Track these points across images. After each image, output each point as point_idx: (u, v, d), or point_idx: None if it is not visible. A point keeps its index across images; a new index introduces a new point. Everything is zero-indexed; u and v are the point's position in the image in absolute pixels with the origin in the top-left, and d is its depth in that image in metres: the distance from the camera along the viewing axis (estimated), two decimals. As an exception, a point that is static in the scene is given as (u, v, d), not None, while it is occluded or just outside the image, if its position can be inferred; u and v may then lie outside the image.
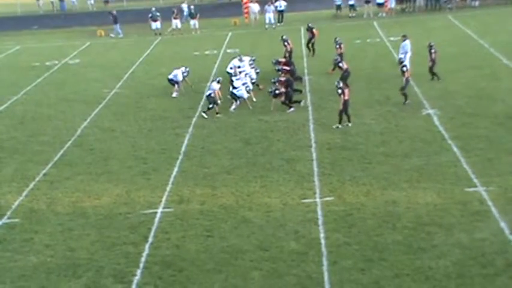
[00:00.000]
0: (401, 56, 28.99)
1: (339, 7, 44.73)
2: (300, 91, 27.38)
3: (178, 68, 29.58)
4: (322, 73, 29.89)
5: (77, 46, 42.04)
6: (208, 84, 28.25)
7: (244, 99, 26.56)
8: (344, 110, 23.43)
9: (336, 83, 23.94)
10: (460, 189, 18.04)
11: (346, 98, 23.30)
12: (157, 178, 20.42)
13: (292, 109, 25.58)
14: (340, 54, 29.63)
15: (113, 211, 18.43)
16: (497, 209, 16.77)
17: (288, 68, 28.83)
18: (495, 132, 21.89)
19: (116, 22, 44.53)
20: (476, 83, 27.15)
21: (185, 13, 47.04)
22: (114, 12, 45.57)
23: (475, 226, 16.11)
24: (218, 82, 26.93)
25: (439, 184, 18.41)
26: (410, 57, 28.86)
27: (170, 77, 29.28)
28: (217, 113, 25.81)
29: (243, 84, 26.88)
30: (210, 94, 26.28)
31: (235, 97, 26.59)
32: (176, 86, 29.12)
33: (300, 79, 29.03)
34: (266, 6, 43.62)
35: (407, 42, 29.21)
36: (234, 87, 26.82)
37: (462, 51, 32.48)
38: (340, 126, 23.46)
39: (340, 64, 27.90)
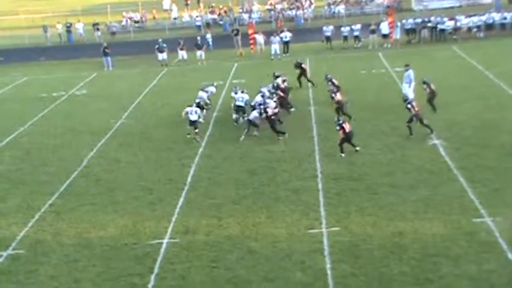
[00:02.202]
0: (405, 85, 29.01)
1: (345, 38, 44.96)
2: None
3: (203, 89, 30.58)
4: (327, 104, 29.91)
5: (83, 77, 42.31)
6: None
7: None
8: (347, 140, 23.56)
9: (335, 119, 24.16)
10: (467, 219, 17.95)
11: (347, 130, 23.48)
12: (163, 209, 20.40)
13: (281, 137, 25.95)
14: (337, 87, 29.65)
15: (119, 242, 18.38)
16: (505, 240, 16.66)
17: (282, 94, 29.05)
18: (502, 162, 21.84)
19: (105, 55, 44.75)
20: (482, 114, 27.15)
21: (209, 42, 47.46)
22: (105, 44, 45.92)
23: (483, 257, 15.99)
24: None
25: (445, 215, 18.33)
26: (414, 86, 28.90)
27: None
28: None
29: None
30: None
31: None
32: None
33: (288, 108, 29.41)
34: (272, 37, 43.87)
35: (411, 71, 29.29)
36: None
37: (467, 82, 32.54)
38: (343, 155, 23.52)
39: (333, 95, 28.12)
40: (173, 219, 19.57)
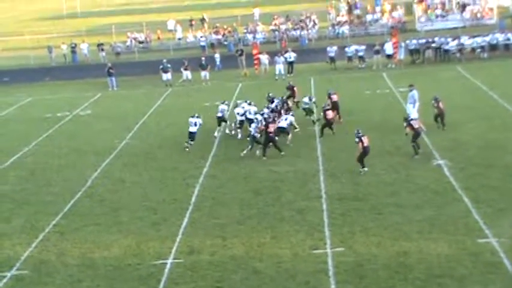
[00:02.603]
0: (409, 105, 29.05)
1: (350, 58, 45.09)
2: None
3: (223, 102, 30.91)
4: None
5: (88, 97, 42.47)
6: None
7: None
8: (365, 155, 23.73)
9: (355, 131, 24.14)
10: (472, 240, 17.89)
11: (366, 145, 23.59)
12: (167, 229, 20.38)
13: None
14: (333, 104, 29.91)
15: (123, 262, 18.35)
16: (510, 260, 16.59)
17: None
18: (506, 183, 21.80)
19: (110, 75, 44.96)
20: (486, 134, 27.16)
21: (217, 62, 47.70)
22: (109, 64, 46.16)
23: (488, 278, 15.92)
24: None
25: (450, 235, 18.27)
26: (418, 107, 28.93)
27: (218, 114, 30.22)
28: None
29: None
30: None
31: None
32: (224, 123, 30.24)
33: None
34: (276, 58, 44.03)
35: (415, 92, 29.34)
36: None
37: (472, 102, 32.58)
38: (366, 169, 23.67)
39: (326, 113, 28.62)
40: (177, 239, 19.54)
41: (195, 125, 28.41)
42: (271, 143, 26.60)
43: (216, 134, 30.28)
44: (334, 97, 30.63)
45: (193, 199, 22.79)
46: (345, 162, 25.15)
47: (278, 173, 24.67)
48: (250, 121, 28.25)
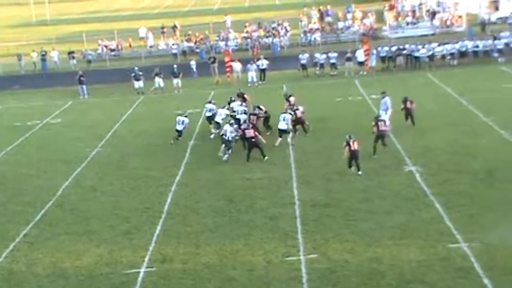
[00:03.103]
0: (382, 112, 29.26)
1: (322, 66, 45.25)
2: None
3: (223, 107, 31.38)
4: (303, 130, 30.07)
5: (59, 106, 42.08)
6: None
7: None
8: (354, 158, 24.20)
9: (347, 136, 24.47)
10: (443, 245, 18.04)
11: (353, 149, 24.06)
12: (139, 237, 20.25)
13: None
14: (291, 106, 30.38)
15: (95, 271, 18.19)
16: (480, 265, 16.75)
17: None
18: (476, 188, 22.04)
19: (80, 83, 44.70)
20: (456, 140, 27.44)
21: (194, 69, 47.61)
22: (80, 72, 45.89)
23: (458, 283, 16.06)
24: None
25: (422, 240, 18.40)
26: (391, 114, 29.13)
27: (208, 114, 31.73)
28: None
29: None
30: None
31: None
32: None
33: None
34: (248, 65, 44.09)
35: (387, 98, 29.56)
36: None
37: (442, 108, 32.89)
38: (360, 172, 24.11)
39: (295, 111, 29.23)
40: (150, 247, 19.43)
41: (182, 123, 29.63)
42: (255, 148, 26.72)
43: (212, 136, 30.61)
44: (292, 99, 31.34)
45: (166, 207, 22.68)
46: (318, 168, 25.26)
47: (251, 180, 24.66)
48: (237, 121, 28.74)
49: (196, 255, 18.68)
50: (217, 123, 30.49)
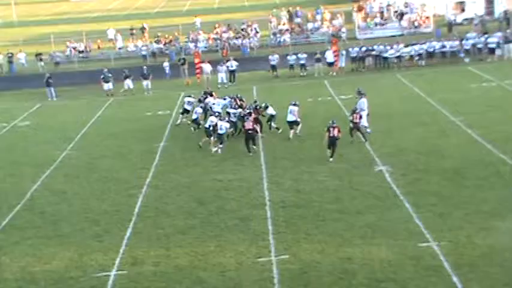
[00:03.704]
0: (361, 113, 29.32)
1: (291, 67, 45.35)
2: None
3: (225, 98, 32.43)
4: (274, 132, 30.12)
5: (26, 108, 41.57)
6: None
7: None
8: (330, 144, 25.57)
9: (330, 121, 25.93)
10: (413, 244, 18.20)
11: (331, 135, 25.49)
12: (110, 240, 20.11)
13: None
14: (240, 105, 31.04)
15: (64, 275, 18.04)
16: (450, 263, 16.94)
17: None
18: (445, 187, 22.28)
19: (48, 85, 44.30)
20: (425, 140, 27.70)
21: (167, 71, 47.43)
22: (48, 74, 45.46)
23: (429, 281, 16.23)
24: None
25: (392, 240, 18.55)
26: (367, 115, 29.26)
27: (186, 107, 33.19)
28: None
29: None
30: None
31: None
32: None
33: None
34: (218, 66, 44.02)
35: (364, 99, 29.63)
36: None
37: (411, 108, 33.17)
38: (331, 159, 25.60)
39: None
40: (121, 250, 19.31)
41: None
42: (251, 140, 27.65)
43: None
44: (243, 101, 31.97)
45: (136, 209, 22.56)
46: (288, 169, 25.32)
47: (222, 182, 24.64)
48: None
49: (168, 258, 18.61)
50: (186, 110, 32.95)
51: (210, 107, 31.73)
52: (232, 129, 29.54)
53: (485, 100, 33.49)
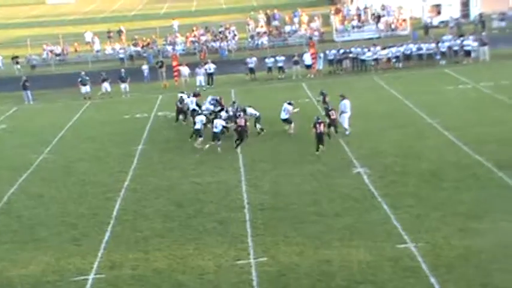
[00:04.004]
0: (344, 114, 29.32)
1: (269, 69, 45.41)
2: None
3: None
4: (252, 135, 30.15)
5: (3, 111, 41.21)
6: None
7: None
8: (318, 138, 26.70)
9: (315, 117, 27.04)
10: (391, 246, 18.31)
11: (318, 131, 26.59)
12: (88, 244, 20.00)
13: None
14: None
15: (41, 280, 17.91)
16: (427, 264, 17.07)
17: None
18: (422, 189, 22.44)
19: (25, 88, 43.98)
20: (403, 142, 27.87)
21: (145, 74, 47.22)
22: (25, 77, 45.15)
23: (407, 282, 16.33)
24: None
25: (370, 241, 18.64)
26: (349, 117, 29.35)
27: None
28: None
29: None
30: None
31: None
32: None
33: None
34: (197, 69, 43.99)
35: (346, 101, 29.66)
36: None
37: (388, 111, 33.36)
38: (317, 152, 26.69)
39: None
40: (99, 254, 19.22)
41: (201, 122, 29.72)
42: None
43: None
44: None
45: (114, 213, 22.46)
46: (267, 172, 25.36)
47: (200, 185, 24.61)
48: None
49: (146, 261, 18.55)
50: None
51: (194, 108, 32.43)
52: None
53: (461, 102, 33.80)
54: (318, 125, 26.58)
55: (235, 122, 29.14)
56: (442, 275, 16.53)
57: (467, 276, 16.39)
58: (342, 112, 29.33)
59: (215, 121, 28.96)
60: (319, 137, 26.69)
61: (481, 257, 17.29)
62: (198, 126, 29.26)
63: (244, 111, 30.41)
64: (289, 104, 30.34)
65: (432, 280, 16.32)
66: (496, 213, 19.96)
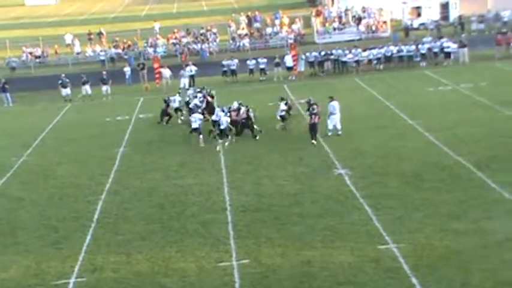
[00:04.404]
0: (333, 116, 29.33)
1: (251, 71, 45.44)
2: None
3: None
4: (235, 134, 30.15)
5: (-18, 114, 40.91)
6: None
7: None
8: (311, 128, 28.10)
9: (310, 109, 28.50)
10: (373, 247, 18.37)
11: (312, 122, 28.12)
12: (69, 247, 19.88)
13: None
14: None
15: (22, 284, 17.77)
16: (409, 265, 17.15)
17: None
18: (403, 190, 22.54)
19: (4, 91, 43.70)
20: (384, 143, 28.00)
21: (127, 76, 47.05)
22: (4, 80, 44.84)
23: (388, 283, 16.39)
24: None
25: (352, 242, 18.70)
26: (340, 118, 29.38)
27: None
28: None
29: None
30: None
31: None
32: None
33: None
34: (182, 71, 43.95)
35: (334, 103, 29.64)
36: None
37: (369, 112, 33.51)
38: (314, 142, 27.98)
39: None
40: (80, 257, 19.10)
41: (198, 120, 29.88)
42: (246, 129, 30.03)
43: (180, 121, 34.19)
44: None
45: (96, 216, 22.34)
46: (248, 173, 25.36)
47: (182, 187, 24.55)
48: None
49: (128, 264, 18.47)
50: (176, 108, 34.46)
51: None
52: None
53: (441, 103, 34.03)
54: (313, 116, 27.97)
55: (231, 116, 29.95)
56: (423, 275, 16.61)
57: (448, 276, 16.49)
58: (331, 114, 29.38)
59: (221, 118, 29.38)
60: (313, 127, 28.06)
61: (461, 257, 17.41)
62: (195, 125, 29.53)
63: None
64: (286, 104, 31.60)
65: (413, 280, 16.40)
66: (476, 213, 20.12)
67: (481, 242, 18.17)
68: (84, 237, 20.56)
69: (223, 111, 30.21)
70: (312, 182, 23.95)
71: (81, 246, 19.84)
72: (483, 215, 19.94)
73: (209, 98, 34.59)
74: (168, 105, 33.97)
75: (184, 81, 43.41)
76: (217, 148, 28.58)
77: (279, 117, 31.12)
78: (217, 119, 29.80)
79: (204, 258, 18.42)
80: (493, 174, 23.12)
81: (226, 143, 28.91)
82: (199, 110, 31.16)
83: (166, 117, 33.80)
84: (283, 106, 31.27)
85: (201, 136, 29.47)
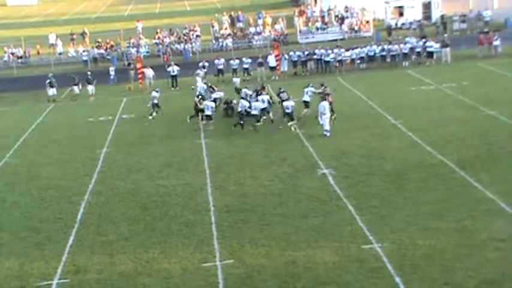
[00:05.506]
0: (324, 116, 29.41)
1: (234, 71, 45.37)
2: None
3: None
4: (219, 135, 30.13)
5: (-37, 115, 40.56)
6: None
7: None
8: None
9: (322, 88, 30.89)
10: (357, 246, 18.42)
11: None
12: (52, 248, 19.77)
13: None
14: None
15: (4, 285, 17.65)
16: (392, 264, 17.21)
17: None
18: (387, 190, 22.63)
19: None
20: (367, 143, 28.08)
21: (112, 76, 46.79)
22: None
23: (372, 283, 16.44)
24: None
25: (336, 242, 18.74)
26: (329, 118, 29.41)
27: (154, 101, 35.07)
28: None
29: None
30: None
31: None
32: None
33: None
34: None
35: (325, 103, 29.61)
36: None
37: (353, 111, 33.59)
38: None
39: None
40: (63, 258, 19.01)
41: (210, 108, 31.77)
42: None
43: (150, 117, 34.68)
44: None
45: (78, 217, 22.23)
46: (232, 174, 25.33)
47: (165, 187, 24.49)
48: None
49: (111, 265, 18.40)
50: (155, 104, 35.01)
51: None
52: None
53: (424, 103, 34.18)
54: (327, 98, 29.87)
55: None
56: (407, 274, 16.68)
57: (431, 275, 16.57)
58: (321, 114, 29.42)
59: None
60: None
61: (445, 256, 17.50)
62: (208, 112, 31.51)
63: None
64: (313, 87, 32.84)
65: (397, 280, 16.46)
66: (459, 212, 20.23)
67: (464, 241, 18.27)
68: (68, 238, 20.46)
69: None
70: (295, 182, 23.98)
71: (64, 248, 19.74)
72: (466, 214, 20.06)
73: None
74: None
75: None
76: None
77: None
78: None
79: (187, 259, 18.39)
80: (475, 173, 23.26)
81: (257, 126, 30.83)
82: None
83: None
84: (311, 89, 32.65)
85: (211, 122, 31.68)
